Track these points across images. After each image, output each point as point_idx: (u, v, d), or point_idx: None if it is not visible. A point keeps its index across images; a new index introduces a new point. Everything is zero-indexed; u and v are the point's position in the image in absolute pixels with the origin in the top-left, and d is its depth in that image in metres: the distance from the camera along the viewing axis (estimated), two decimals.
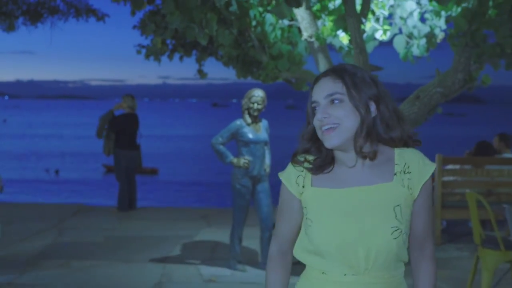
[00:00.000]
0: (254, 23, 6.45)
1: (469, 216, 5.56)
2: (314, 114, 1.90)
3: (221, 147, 5.95)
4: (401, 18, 6.41)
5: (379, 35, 6.52)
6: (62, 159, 29.00)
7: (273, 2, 6.17)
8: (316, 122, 1.88)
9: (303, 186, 1.92)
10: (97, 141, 9.59)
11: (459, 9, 5.93)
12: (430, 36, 6.35)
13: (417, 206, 1.90)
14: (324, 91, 1.87)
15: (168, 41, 8.56)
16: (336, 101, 1.85)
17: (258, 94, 5.92)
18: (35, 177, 21.59)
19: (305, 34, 6.29)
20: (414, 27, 6.36)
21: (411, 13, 6.32)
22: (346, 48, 6.48)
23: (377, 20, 6.51)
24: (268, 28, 6.46)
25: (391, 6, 6.45)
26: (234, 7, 6.17)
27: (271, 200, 6.02)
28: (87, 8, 11.64)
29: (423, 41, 6.39)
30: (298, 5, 5.41)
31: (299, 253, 1.95)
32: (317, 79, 1.93)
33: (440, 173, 7.29)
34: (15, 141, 40.58)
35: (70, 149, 33.98)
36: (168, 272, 5.96)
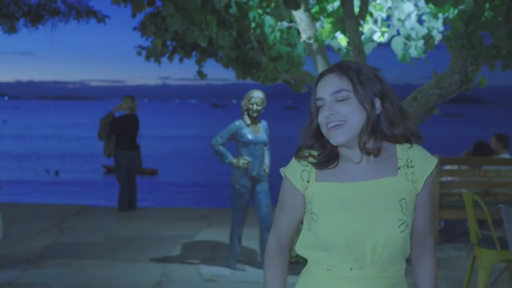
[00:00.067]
0: (253, 25, 6.49)
1: (466, 216, 5.60)
2: (318, 111, 1.88)
3: (221, 147, 5.99)
4: (399, 20, 6.46)
5: (377, 37, 6.57)
6: (62, 159, 28.96)
7: (272, 4, 6.23)
8: (322, 119, 1.85)
9: (308, 181, 1.90)
10: (97, 142, 9.64)
11: (456, 11, 5.98)
12: (428, 37, 6.39)
13: (420, 200, 1.90)
14: (330, 88, 1.84)
15: (168, 43, 8.60)
16: (343, 98, 1.83)
17: (257, 95, 5.95)
18: (35, 178, 21.57)
19: (303, 36, 6.34)
20: (412, 29, 6.40)
21: (408, 15, 6.37)
22: (345, 50, 6.53)
23: (375, 22, 6.56)
24: (267, 30, 6.50)
25: (389, 8, 6.49)
26: (233, 9, 6.22)
27: (270, 200, 6.06)
28: (87, 9, 11.65)
29: (420, 42, 6.44)
30: (297, 7, 5.45)
31: (302, 250, 1.92)
32: (321, 75, 1.90)
33: (438, 173, 7.33)
34: (15, 141, 40.51)
35: (70, 150, 33.92)
36: (168, 272, 6.00)
